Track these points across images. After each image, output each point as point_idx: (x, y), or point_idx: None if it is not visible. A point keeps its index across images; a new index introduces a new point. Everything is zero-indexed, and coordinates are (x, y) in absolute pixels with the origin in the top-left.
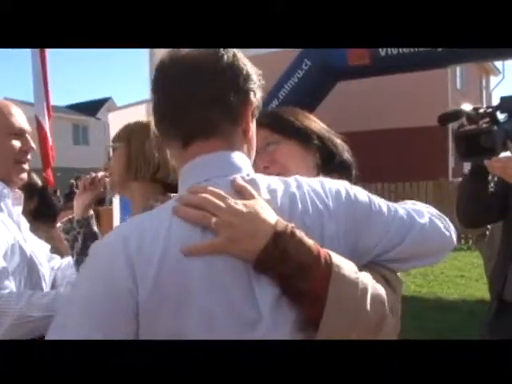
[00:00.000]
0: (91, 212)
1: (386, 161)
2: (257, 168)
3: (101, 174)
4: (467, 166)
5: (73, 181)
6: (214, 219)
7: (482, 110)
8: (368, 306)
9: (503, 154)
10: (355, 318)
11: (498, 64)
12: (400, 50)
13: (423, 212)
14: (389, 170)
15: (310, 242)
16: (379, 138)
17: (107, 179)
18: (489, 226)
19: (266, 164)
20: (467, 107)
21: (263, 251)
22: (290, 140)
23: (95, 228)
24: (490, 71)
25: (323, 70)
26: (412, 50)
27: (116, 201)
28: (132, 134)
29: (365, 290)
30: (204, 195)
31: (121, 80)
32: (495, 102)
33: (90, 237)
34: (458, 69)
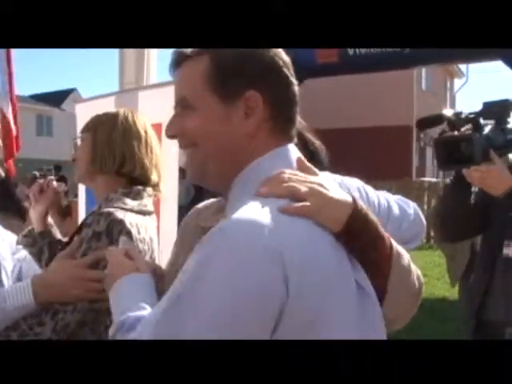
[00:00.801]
0: (49, 220)
1: (350, 159)
2: None
3: (49, 178)
4: (431, 167)
5: (35, 172)
6: (302, 189)
7: (463, 116)
8: (414, 276)
9: (486, 164)
10: (409, 287)
11: (463, 67)
12: (368, 49)
13: (409, 203)
14: (353, 169)
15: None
16: (344, 137)
17: (55, 183)
18: None
19: None
20: (448, 112)
21: (349, 219)
22: None
23: (58, 235)
24: (455, 74)
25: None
26: (380, 50)
27: (82, 193)
28: (99, 125)
29: (410, 262)
30: (290, 171)
31: (86, 72)
32: (459, 103)
33: (56, 244)
34: (423, 70)
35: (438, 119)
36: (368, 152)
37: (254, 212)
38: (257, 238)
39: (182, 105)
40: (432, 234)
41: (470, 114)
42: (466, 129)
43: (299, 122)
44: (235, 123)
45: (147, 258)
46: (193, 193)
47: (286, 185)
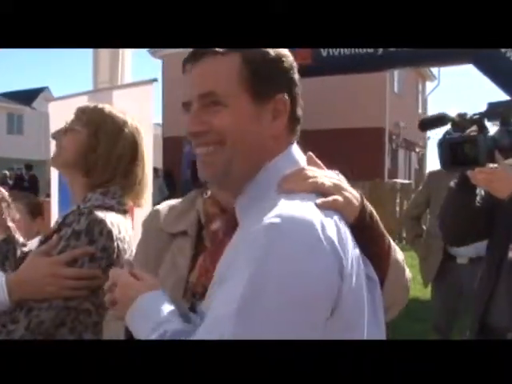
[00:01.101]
0: (10, 224)
1: (323, 160)
2: None
3: None
4: (403, 169)
5: (5, 171)
6: (327, 184)
7: (468, 117)
8: (406, 273)
9: (492, 165)
10: (403, 281)
11: (435, 70)
12: (341, 51)
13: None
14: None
15: None
16: (317, 138)
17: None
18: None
19: None
20: (453, 113)
21: (360, 213)
22: None
23: (21, 238)
24: (427, 77)
25: None
26: (353, 51)
27: (54, 192)
28: (101, 126)
29: (403, 259)
30: (309, 168)
31: (57, 70)
32: (431, 106)
33: (20, 247)
34: (396, 73)
35: (442, 120)
36: (341, 153)
37: (300, 207)
38: (315, 230)
39: (210, 100)
40: (404, 234)
41: (475, 114)
42: (471, 130)
43: None
44: (264, 124)
45: (127, 256)
46: (166, 193)
47: (311, 181)
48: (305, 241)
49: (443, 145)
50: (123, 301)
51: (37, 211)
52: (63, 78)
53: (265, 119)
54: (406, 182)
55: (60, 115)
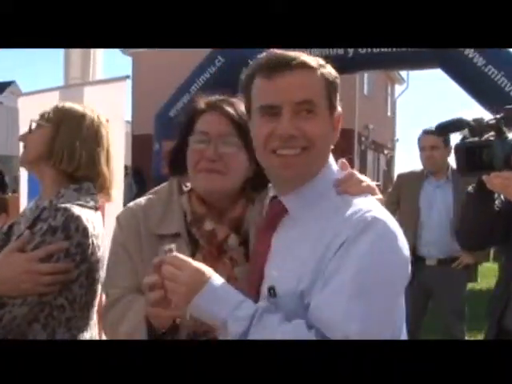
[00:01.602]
0: None
1: None
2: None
3: None
4: (371, 170)
5: None
6: (372, 186)
7: (485, 122)
8: None
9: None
10: None
11: (403, 73)
12: (311, 52)
13: None
14: None
15: None
16: None
17: None
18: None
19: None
20: (469, 117)
21: None
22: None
23: None
24: (396, 80)
25: (236, 68)
26: (323, 53)
27: (24, 189)
28: (63, 120)
29: None
30: (354, 172)
31: (26, 66)
32: (399, 109)
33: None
34: (365, 75)
35: (459, 125)
36: None
37: (379, 206)
38: (397, 224)
39: (304, 108)
40: None
41: (491, 119)
42: (489, 135)
43: None
44: (331, 134)
45: (100, 253)
46: (135, 190)
47: (364, 184)
48: (398, 234)
49: (460, 150)
50: (189, 285)
51: (0, 207)
52: (32, 72)
53: (332, 129)
54: (375, 183)
55: (30, 111)
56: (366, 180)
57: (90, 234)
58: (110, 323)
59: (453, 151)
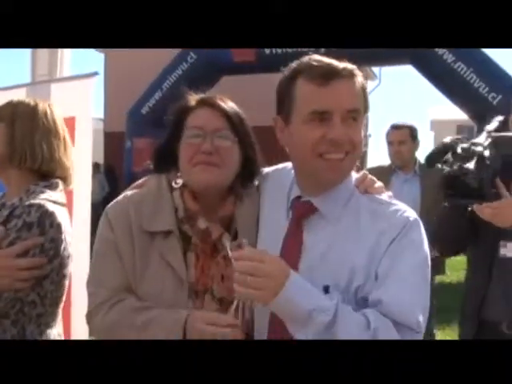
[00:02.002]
0: None
1: (266, 157)
2: None
3: None
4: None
5: None
6: (382, 185)
7: (466, 146)
8: None
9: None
10: None
11: (376, 70)
12: (284, 49)
13: None
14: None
15: None
16: (260, 134)
17: None
18: None
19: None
20: (451, 141)
21: None
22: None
23: None
24: (368, 76)
25: (208, 65)
26: (296, 50)
27: None
28: (17, 117)
29: None
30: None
31: None
32: (372, 105)
33: None
34: None
35: (445, 151)
36: (283, 150)
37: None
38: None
39: (352, 115)
40: None
41: (473, 144)
42: (471, 160)
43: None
44: None
45: (71, 249)
46: (107, 189)
47: (379, 184)
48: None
49: (446, 177)
50: (276, 278)
51: None
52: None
53: None
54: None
55: None
56: (374, 178)
57: (62, 230)
58: (108, 327)
59: (441, 179)
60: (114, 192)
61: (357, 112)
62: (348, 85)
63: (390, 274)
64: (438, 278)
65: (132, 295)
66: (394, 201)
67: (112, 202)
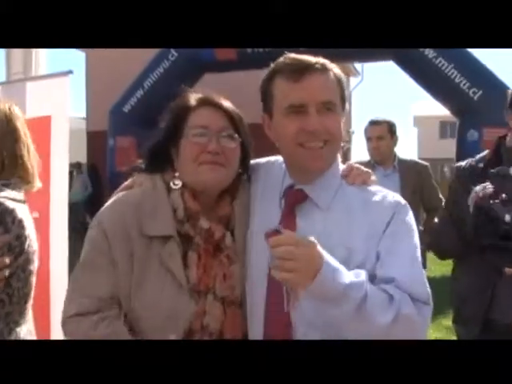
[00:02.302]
0: None
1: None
2: None
3: None
4: None
5: None
6: (369, 174)
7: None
8: None
9: None
10: None
11: (358, 66)
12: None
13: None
14: None
15: None
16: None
17: None
18: None
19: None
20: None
21: None
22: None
23: None
24: (350, 72)
25: (190, 63)
26: (277, 49)
27: None
28: None
29: None
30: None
31: None
32: (355, 101)
33: None
34: None
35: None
36: (265, 147)
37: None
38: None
39: (326, 107)
40: None
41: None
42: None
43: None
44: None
45: (35, 245)
46: (90, 189)
47: (366, 174)
48: None
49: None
50: (311, 261)
51: None
52: None
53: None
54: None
55: None
56: (361, 167)
57: (25, 226)
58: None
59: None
60: (96, 192)
61: (331, 103)
62: (321, 78)
63: (395, 252)
64: None
65: (119, 310)
66: (382, 188)
67: (104, 209)
